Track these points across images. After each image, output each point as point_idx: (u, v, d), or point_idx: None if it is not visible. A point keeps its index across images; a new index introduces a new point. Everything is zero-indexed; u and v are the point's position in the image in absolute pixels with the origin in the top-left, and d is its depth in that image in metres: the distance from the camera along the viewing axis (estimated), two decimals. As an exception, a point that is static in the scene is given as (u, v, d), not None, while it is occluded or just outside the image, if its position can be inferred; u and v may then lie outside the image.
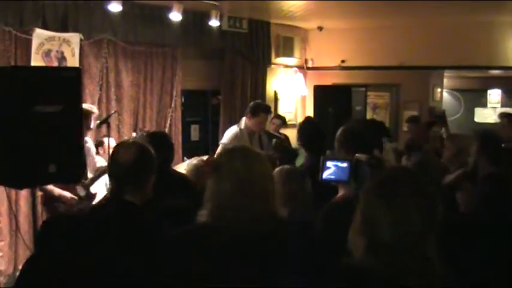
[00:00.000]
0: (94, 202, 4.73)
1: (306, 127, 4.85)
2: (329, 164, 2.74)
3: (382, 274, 1.52)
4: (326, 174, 2.75)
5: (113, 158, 2.47)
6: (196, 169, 3.96)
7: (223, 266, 1.96)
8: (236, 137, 5.74)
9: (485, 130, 4.41)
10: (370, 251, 1.56)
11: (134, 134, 5.68)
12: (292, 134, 7.21)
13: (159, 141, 3.66)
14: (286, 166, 3.20)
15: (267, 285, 1.93)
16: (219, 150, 5.70)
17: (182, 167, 5.88)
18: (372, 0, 6.34)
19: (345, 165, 2.70)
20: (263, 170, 2.10)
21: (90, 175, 4.91)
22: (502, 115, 7.00)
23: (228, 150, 2.23)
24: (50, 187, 4.60)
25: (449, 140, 4.43)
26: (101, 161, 5.45)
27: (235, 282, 1.92)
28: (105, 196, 4.22)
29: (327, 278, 1.72)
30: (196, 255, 2.01)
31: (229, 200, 2.02)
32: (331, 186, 3.60)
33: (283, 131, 7.60)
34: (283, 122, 7.70)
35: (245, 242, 1.97)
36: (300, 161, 5.44)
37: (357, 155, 2.76)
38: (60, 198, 4.73)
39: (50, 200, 4.71)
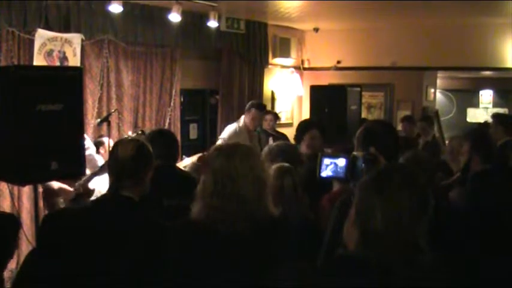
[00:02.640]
0: (92, 198, 4.77)
1: (305, 126, 4.91)
2: (326, 161, 2.77)
3: (374, 264, 1.54)
4: (324, 172, 2.78)
5: (112, 155, 2.51)
6: (196, 166, 4.02)
7: (202, 263, 2.00)
8: (235, 133, 5.83)
9: (476, 129, 4.46)
10: (363, 242, 1.59)
11: (130, 133, 5.75)
12: (288, 133, 7.33)
13: (164, 138, 3.69)
14: (279, 164, 3.23)
15: (247, 285, 1.95)
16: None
17: (181, 165, 6.00)
18: (367, 1, 6.45)
19: (342, 161, 2.74)
20: (248, 168, 2.06)
21: (88, 171, 4.97)
22: (492, 115, 7.13)
23: (216, 148, 2.22)
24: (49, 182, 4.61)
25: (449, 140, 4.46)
26: (101, 161, 5.51)
27: (213, 281, 1.96)
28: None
29: (319, 270, 1.75)
30: (181, 251, 2.06)
31: (209, 199, 2.02)
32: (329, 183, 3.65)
33: (281, 130, 7.71)
34: (275, 116, 7.73)
35: (223, 241, 1.99)
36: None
37: (354, 152, 2.81)
38: (59, 192, 4.78)
39: (50, 195, 4.79)
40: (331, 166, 2.73)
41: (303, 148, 4.80)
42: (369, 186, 1.65)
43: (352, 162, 2.65)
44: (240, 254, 2.00)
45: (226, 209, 1.99)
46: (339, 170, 2.71)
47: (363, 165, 2.59)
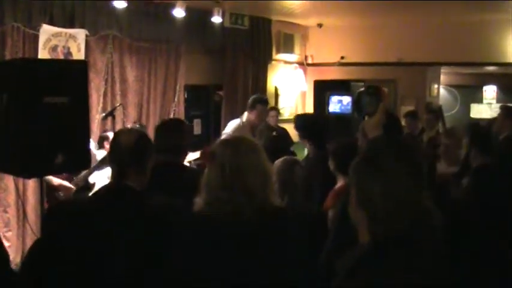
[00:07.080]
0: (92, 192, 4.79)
1: (304, 122, 4.88)
2: (334, 98, 2.84)
3: (394, 244, 1.55)
4: (332, 108, 2.83)
5: (114, 143, 2.52)
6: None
7: (208, 256, 2.00)
8: (238, 128, 5.82)
9: (475, 123, 4.43)
10: (373, 224, 1.58)
11: (129, 126, 5.76)
12: (290, 129, 7.33)
13: (165, 129, 3.35)
14: (286, 157, 3.27)
15: (255, 279, 1.96)
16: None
17: (185, 160, 6.02)
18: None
19: (347, 99, 2.80)
20: (255, 160, 2.07)
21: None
22: (501, 107, 7.04)
23: (222, 141, 2.20)
24: (49, 177, 4.65)
25: (445, 133, 4.45)
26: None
27: (221, 272, 1.97)
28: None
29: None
30: (190, 244, 2.06)
31: (215, 191, 2.01)
32: (332, 177, 3.68)
33: (284, 125, 7.72)
34: (278, 112, 7.79)
35: (229, 234, 1.99)
36: (301, 154, 5.57)
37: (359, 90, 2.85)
38: (59, 187, 4.85)
39: (51, 190, 4.82)
40: (337, 103, 2.81)
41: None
42: (364, 166, 1.66)
43: (357, 98, 2.71)
44: (247, 245, 2.01)
45: (234, 202, 1.99)
46: (344, 107, 2.78)
47: (367, 97, 2.65)
